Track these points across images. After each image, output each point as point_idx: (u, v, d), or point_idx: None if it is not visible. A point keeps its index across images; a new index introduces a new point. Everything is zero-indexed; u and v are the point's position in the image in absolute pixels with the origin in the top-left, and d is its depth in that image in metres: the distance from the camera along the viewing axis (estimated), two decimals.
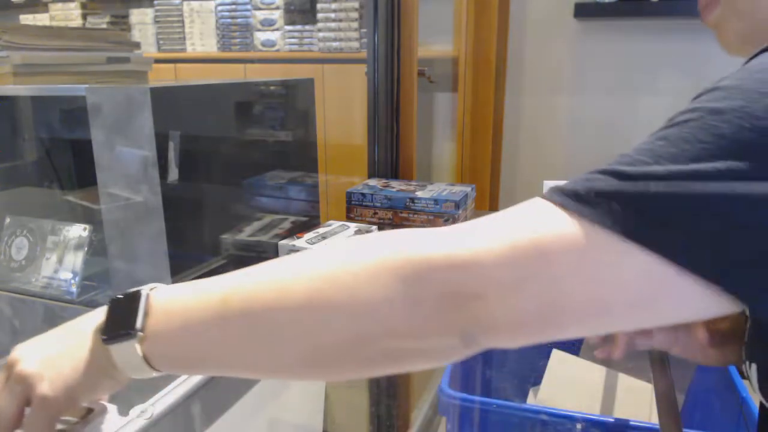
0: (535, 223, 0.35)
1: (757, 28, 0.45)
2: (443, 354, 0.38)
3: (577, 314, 0.34)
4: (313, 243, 1.17)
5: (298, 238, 1.19)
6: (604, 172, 0.34)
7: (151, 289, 0.43)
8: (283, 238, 1.20)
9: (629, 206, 0.32)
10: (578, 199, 0.34)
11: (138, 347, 0.41)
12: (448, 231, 0.37)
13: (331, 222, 1.31)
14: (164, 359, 0.42)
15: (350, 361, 0.38)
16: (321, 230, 1.24)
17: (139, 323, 0.41)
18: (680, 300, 0.33)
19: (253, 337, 0.39)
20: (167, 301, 0.42)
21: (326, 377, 0.45)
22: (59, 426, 0.46)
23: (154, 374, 0.43)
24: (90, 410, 0.49)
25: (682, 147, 0.32)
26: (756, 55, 0.35)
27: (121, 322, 0.41)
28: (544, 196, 0.36)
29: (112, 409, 0.50)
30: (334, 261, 0.38)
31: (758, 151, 0.30)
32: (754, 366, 0.42)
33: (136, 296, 0.42)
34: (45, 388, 0.42)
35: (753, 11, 0.44)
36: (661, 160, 0.32)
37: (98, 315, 0.44)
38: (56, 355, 0.43)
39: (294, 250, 1.15)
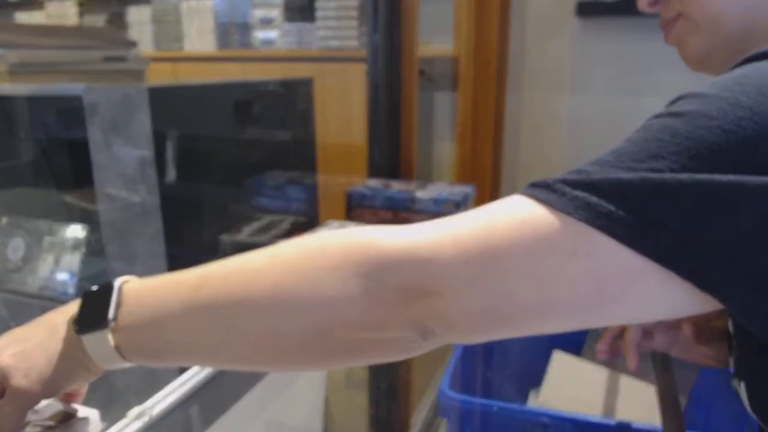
0: (494, 219, 0.36)
1: (717, 45, 0.47)
2: (404, 347, 0.38)
3: (529, 311, 0.34)
4: None
5: None
6: (572, 171, 0.35)
7: (124, 281, 0.44)
8: (282, 238, 1.19)
9: (591, 194, 0.33)
10: (548, 189, 0.35)
11: (110, 337, 0.41)
12: (410, 227, 0.38)
13: (330, 222, 1.30)
14: (135, 349, 0.42)
15: (312, 353, 0.39)
16: (320, 230, 1.24)
17: (111, 314, 0.41)
18: (642, 289, 0.33)
19: (219, 328, 0.40)
20: (139, 292, 0.43)
21: (291, 368, 0.46)
22: (37, 429, 0.46)
23: (126, 364, 0.43)
24: (70, 416, 0.48)
25: (642, 146, 0.34)
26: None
27: (94, 312, 0.42)
28: (520, 191, 0.37)
29: (93, 414, 0.50)
30: (298, 254, 0.39)
31: (710, 148, 0.31)
32: (743, 384, 0.41)
33: (108, 288, 0.43)
34: (20, 380, 0.42)
35: (714, 30, 0.46)
36: (621, 157, 0.34)
37: (71, 307, 0.45)
38: (30, 347, 0.43)
39: None
